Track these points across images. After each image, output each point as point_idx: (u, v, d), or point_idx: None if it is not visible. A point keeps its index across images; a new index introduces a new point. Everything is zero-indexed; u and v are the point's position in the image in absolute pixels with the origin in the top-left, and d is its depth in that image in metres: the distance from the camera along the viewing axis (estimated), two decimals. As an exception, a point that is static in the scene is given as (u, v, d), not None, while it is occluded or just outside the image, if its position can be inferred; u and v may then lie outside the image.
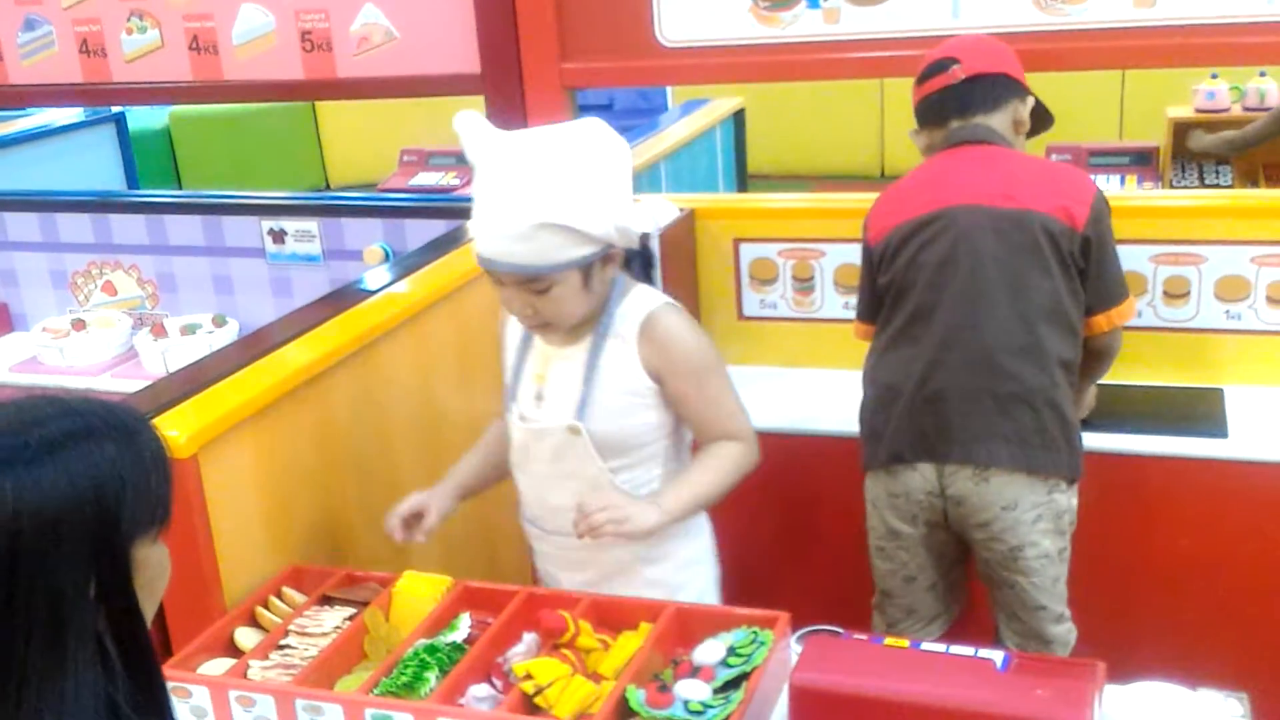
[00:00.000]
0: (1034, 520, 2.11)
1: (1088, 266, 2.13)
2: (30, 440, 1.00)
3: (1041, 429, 2.09)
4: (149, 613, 1.12)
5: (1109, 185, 4.25)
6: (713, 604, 1.99)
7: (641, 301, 1.90)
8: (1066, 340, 2.13)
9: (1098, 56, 2.54)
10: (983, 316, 2.10)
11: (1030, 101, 2.25)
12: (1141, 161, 4.38)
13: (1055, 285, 2.10)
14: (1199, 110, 4.94)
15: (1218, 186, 4.55)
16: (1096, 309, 2.16)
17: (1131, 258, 2.54)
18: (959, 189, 2.16)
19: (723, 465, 1.91)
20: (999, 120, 2.21)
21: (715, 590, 2.05)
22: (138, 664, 1.06)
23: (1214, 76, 4.95)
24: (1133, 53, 2.52)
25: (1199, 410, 2.45)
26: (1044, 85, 2.30)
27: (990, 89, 2.21)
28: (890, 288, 2.20)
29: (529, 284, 1.78)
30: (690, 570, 2.01)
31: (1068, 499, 2.14)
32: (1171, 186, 4.55)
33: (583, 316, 1.85)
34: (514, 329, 1.98)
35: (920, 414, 2.14)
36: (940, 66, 2.23)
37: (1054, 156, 4.47)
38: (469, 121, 1.80)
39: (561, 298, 1.79)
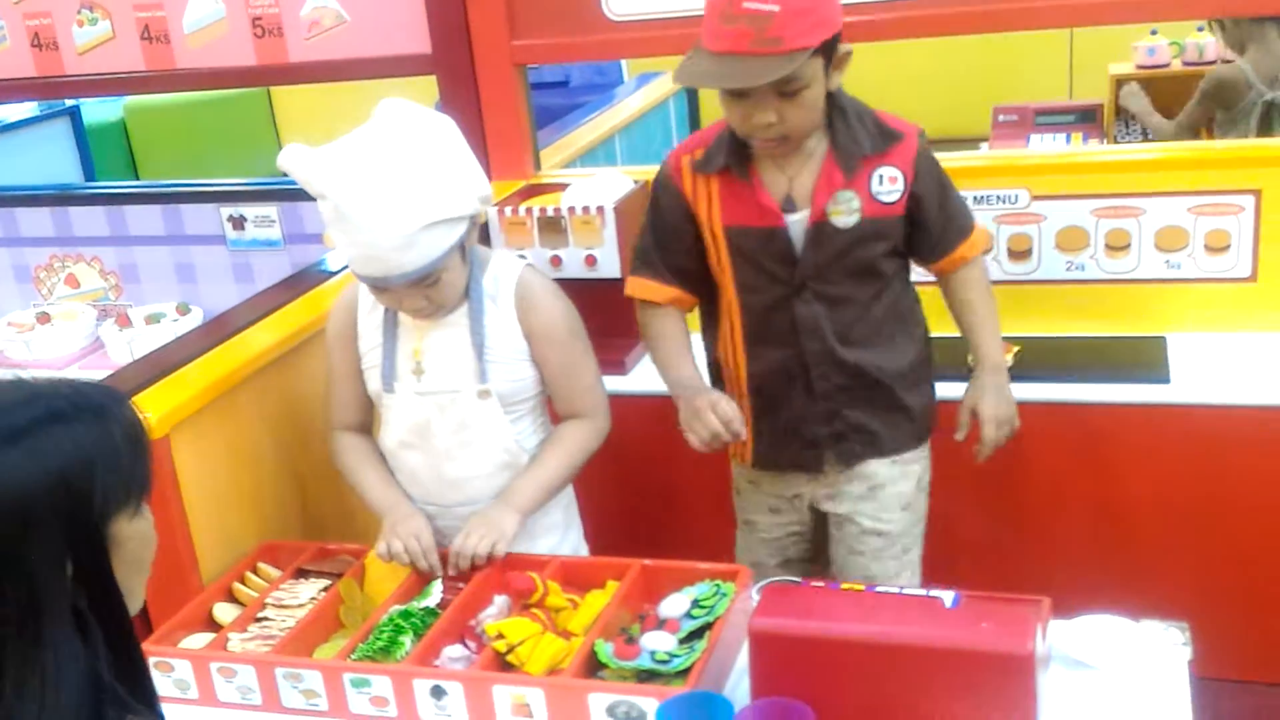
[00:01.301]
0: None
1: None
2: (1, 426, 1.02)
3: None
4: (138, 584, 1.15)
5: (1055, 144, 4.32)
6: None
7: (507, 266, 1.98)
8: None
9: (1039, 16, 2.59)
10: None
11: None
12: (1086, 119, 4.45)
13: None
14: (1140, 67, 5.02)
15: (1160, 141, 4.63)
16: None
17: (1073, 212, 2.62)
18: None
19: (569, 450, 2.00)
20: None
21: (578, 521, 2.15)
22: (118, 639, 1.08)
23: (1154, 33, 5.03)
24: (1070, 11, 2.58)
25: (1142, 358, 2.52)
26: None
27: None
28: None
29: (421, 282, 1.83)
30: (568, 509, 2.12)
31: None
32: (1115, 142, 4.64)
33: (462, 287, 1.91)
34: (369, 315, 1.99)
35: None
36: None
37: (1001, 118, 4.55)
38: (295, 157, 1.80)
39: (450, 281, 1.87)
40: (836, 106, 1.94)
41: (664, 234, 2.06)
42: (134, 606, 1.14)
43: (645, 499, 2.70)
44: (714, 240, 2.01)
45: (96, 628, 1.06)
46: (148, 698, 1.11)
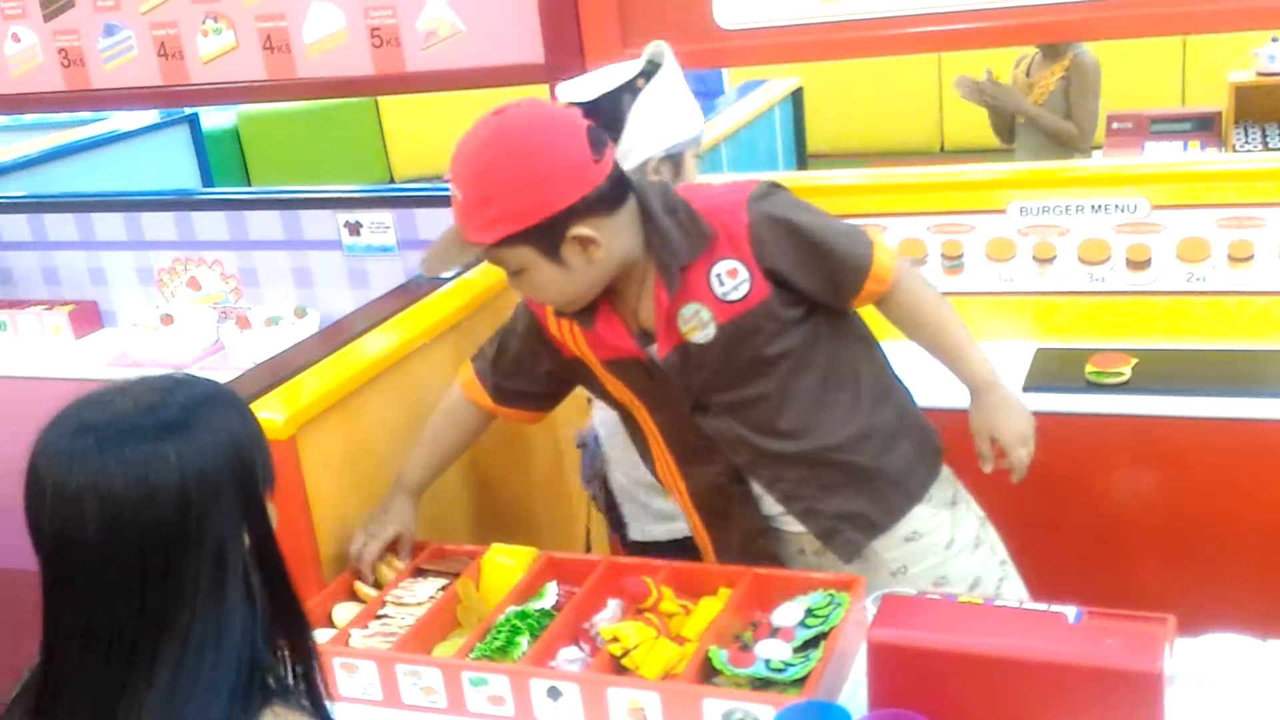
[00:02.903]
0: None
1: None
2: (173, 408, 1.10)
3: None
4: None
5: (1171, 151, 4.23)
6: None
7: None
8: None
9: (1152, 23, 2.54)
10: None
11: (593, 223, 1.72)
12: (1203, 127, 4.36)
13: None
14: (1260, 74, 4.89)
15: (1282, 149, 4.52)
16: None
17: (1195, 222, 2.56)
18: None
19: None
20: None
21: None
22: (285, 602, 1.17)
23: (1275, 39, 4.90)
24: (1187, 19, 2.53)
25: (1266, 372, 2.46)
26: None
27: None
28: None
29: None
30: None
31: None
32: (1235, 151, 4.52)
33: None
34: None
35: None
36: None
37: (1115, 125, 4.47)
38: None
39: None
40: (649, 220, 1.75)
41: (508, 360, 2.00)
42: None
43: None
44: (601, 371, 1.89)
45: (262, 596, 1.13)
46: (306, 653, 1.18)
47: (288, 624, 1.17)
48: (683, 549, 2.13)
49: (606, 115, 1.97)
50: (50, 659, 1.10)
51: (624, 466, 2.32)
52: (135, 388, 1.13)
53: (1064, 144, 4.02)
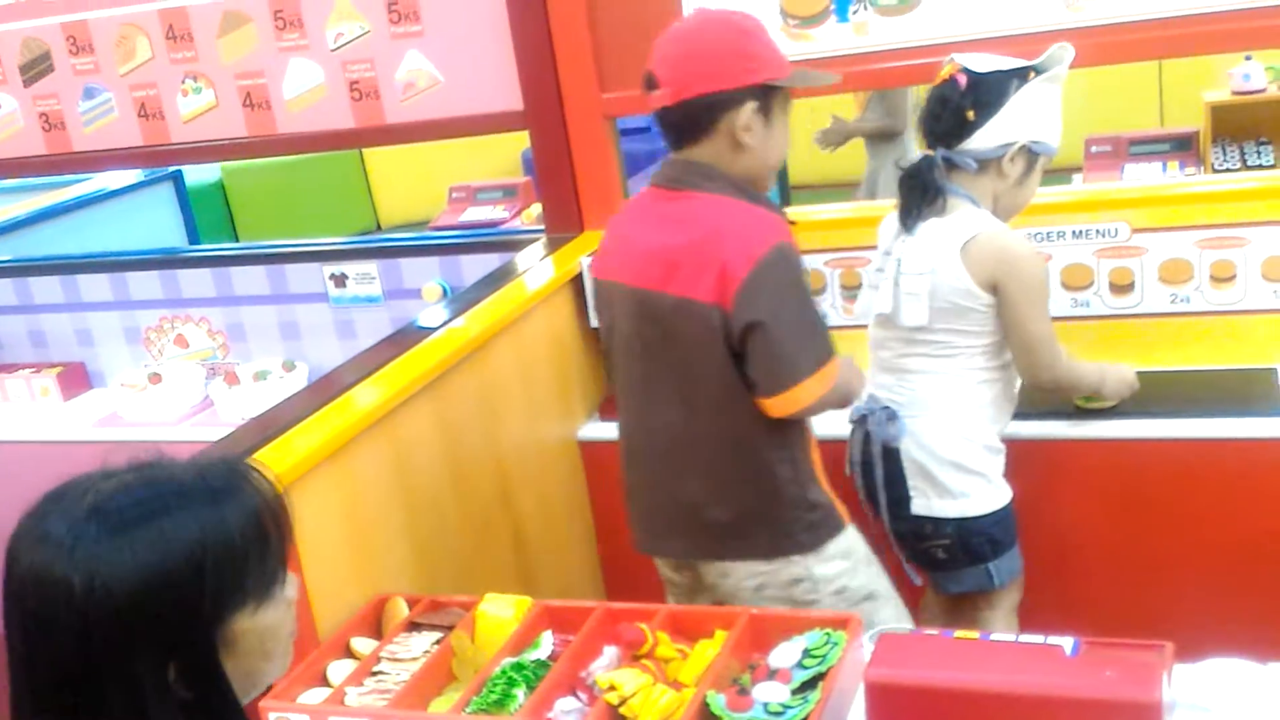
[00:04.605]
0: (755, 589, 2.10)
1: (751, 349, 1.97)
2: (110, 515, 0.98)
3: (726, 522, 2.08)
4: (267, 670, 1.10)
5: (1150, 173, 4.26)
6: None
7: None
8: (734, 427, 2.05)
9: (1127, 50, 2.57)
10: (649, 416, 2.12)
11: (749, 106, 1.97)
12: (1182, 147, 4.38)
13: (723, 373, 2.01)
14: (1235, 93, 4.94)
15: (1260, 167, 4.55)
16: (765, 392, 2.00)
17: (1176, 244, 2.57)
18: (625, 257, 2.10)
19: None
20: (708, 149, 2.00)
21: None
22: None
23: (1248, 58, 4.95)
24: (1163, 43, 2.55)
25: (1252, 391, 2.46)
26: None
27: (687, 119, 1.99)
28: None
29: None
30: None
31: (805, 566, 2.09)
32: (1214, 170, 4.55)
33: None
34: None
35: (632, 499, 2.22)
36: (646, 84, 2.03)
37: (1094, 149, 4.49)
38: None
39: None
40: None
41: None
42: (261, 688, 1.11)
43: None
44: None
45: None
46: None
47: None
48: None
49: (992, 89, 2.16)
50: None
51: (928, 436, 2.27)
52: (102, 482, 1.02)
53: (890, 137, 4.93)
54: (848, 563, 2.13)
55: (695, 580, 2.21)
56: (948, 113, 2.19)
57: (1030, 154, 2.22)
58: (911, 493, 2.28)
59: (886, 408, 2.27)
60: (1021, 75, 2.18)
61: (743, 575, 2.11)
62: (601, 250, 2.23)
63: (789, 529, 2.10)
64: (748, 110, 1.97)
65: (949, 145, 2.19)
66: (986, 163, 2.20)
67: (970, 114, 2.17)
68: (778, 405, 2.00)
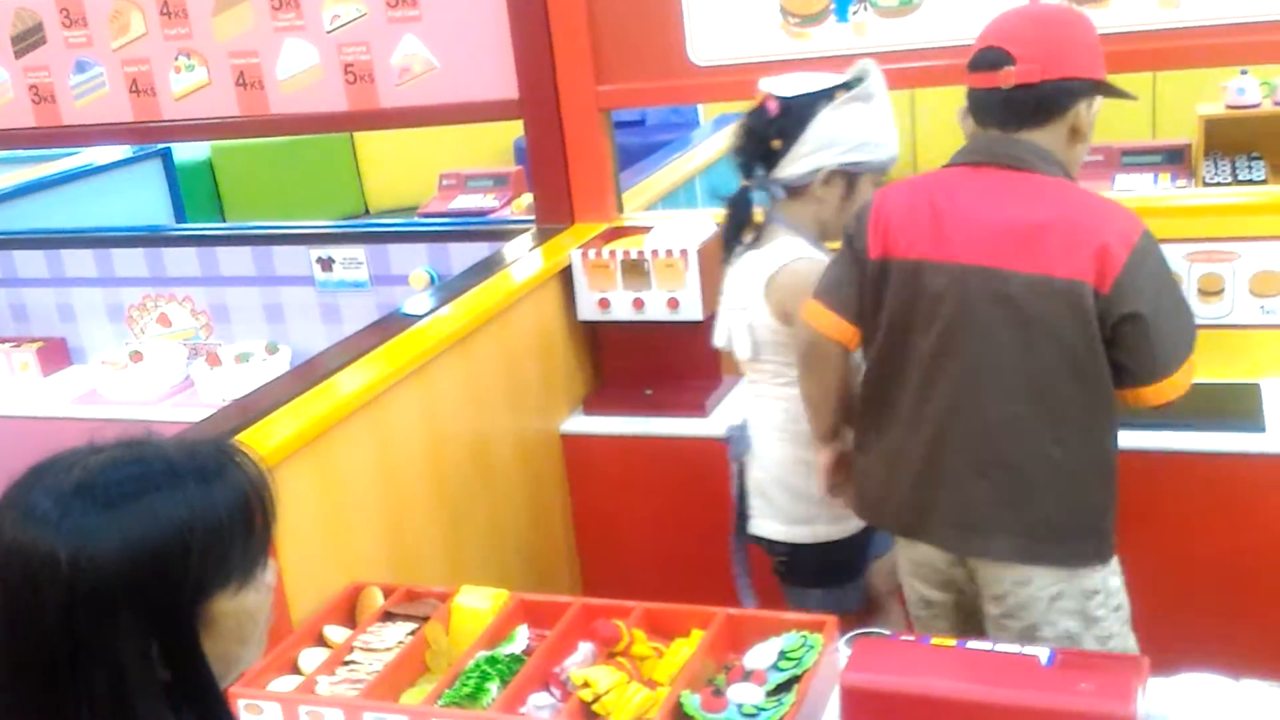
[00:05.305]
0: (1052, 599, 1.93)
1: (1128, 339, 1.83)
2: (97, 493, 0.97)
3: (1048, 521, 1.91)
4: (243, 654, 1.09)
5: (1141, 184, 4.26)
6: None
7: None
8: (1083, 415, 1.89)
9: (1122, 61, 2.56)
10: (976, 400, 1.90)
11: (1097, 102, 1.94)
12: (1173, 160, 4.38)
13: (1084, 358, 1.84)
14: (1230, 106, 4.95)
15: (1250, 182, 4.55)
16: (1139, 382, 1.87)
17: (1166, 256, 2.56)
18: (969, 236, 1.88)
19: None
20: (1050, 136, 1.90)
21: None
22: (210, 715, 1.04)
23: (1243, 73, 4.95)
24: (1158, 55, 2.55)
25: (1237, 406, 2.47)
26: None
27: (1045, 99, 1.88)
28: (878, 330, 1.98)
29: None
30: None
31: (1102, 577, 1.95)
32: (1205, 183, 4.56)
33: None
34: None
35: (922, 491, 1.97)
36: (989, 60, 1.90)
37: (1086, 158, 4.48)
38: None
39: None
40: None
41: None
42: (235, 674, 1.10)
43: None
44: None
45: (185, 706, 1.02)
46: None
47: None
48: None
49: (796, 115, 2.14)
50: None
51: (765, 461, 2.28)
52: (90, 457, 1.01)
53: None
54: (1121, 579, 2.01)
55: (966, 594, 2.04)
56: (753, 143, 2.19)
57: (848, 175, 2.18)
58: (751, 511, 2.32)
59: (743, 425, 2.32)
60: (829, 96, 2.16)
61: (1045, 583, 1.92)
62: (899, 227, 1.94)
63: (1108, 534, 1.95)
64: (1096, 102, 1.93)
65: (759, 174, 2.19)
66: (799, 189, 2.18)
67: (776, 143, 2.16)
68: (1153, 394, 1.87)
